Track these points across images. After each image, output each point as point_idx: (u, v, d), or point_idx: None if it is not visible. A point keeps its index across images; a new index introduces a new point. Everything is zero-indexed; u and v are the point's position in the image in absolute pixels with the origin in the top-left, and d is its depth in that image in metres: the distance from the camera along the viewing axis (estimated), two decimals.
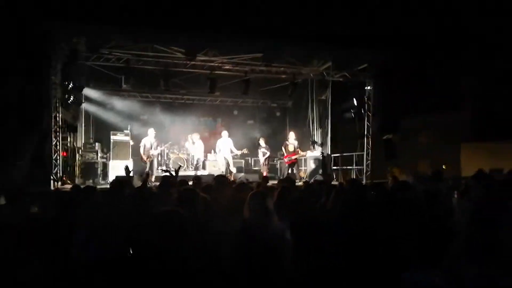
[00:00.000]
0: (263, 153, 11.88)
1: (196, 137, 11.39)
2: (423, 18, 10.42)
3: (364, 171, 11.43)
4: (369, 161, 11.60)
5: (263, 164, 11.89)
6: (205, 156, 12.70)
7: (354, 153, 11.97)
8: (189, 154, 12.35)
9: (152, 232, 2.02)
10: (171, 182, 5.00)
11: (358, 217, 3.00)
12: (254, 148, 12.32)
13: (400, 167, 12.07)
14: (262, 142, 12.02)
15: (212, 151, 13.17)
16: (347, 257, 2.80)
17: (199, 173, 11.32)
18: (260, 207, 2.83)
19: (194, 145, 11.47)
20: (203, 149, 11.58)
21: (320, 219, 3.17)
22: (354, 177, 11.58)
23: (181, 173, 6.11)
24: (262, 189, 4.57)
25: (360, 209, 3.12)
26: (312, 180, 9.70)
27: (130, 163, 11.00)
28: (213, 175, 10.81)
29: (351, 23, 10.06)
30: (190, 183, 5.55)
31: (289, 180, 7.33)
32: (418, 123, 13.45)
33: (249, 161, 13.97)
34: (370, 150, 11.64)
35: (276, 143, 14.22)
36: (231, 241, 2.72)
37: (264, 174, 11.60)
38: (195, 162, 11.37)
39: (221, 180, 5.16)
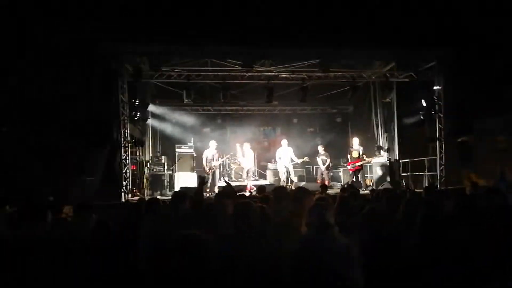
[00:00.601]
0: (322, 160, 11.51)
1: (246, 147, 11.34)
2: (492, 16, 9.48)
3: (438, 177, 10.60)
4: (442, 166, 10.75)
5: (323, 172, 11.51)
6: (257, 166, 12.74)
7: (425, 158, 11.18)
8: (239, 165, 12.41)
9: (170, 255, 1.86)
10: (228, 193, 4.93)
11: (439, 233, 2.62)
12: (315, 156, 12.01)
13: (478, 172, 11.01)
14: (321, 149, 11.71)
15: (273, 160, 13.17)
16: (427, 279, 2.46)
17: (253, 183, 11.30)
18: (319, 221, 2.61)
19: (244, 156, 11.44)
20: (253, 158, 11.50)
21: (396, 236, 2.83)
22: (427, 183, 10.74)
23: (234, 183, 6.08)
24: (322, 199, 4.25)
25: (441, 223, 2.73)
26: (380, 187, 9.16)
27: (194, 175, 11.45)
28: (273, 184, 10.78)
29: (413, 21, 9.48)
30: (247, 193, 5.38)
31: (351, 188, 6.99)
32: (495, 124, 12.18)
33: (311, 170, 13.61)
34: (443, 154, 10.82)
35: (338, 150, 13.86)
36: (289, 261, 2.53)
37: (326, 182, 11.24)
38: (245, 173, 11.32)
39: (280, 191, 5.01)
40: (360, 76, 11.59)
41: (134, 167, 10.94)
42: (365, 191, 8.92)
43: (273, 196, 4.61)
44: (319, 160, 11.58)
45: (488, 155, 11.53)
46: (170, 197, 8.97)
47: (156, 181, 11.11)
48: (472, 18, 9.59)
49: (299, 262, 2.51)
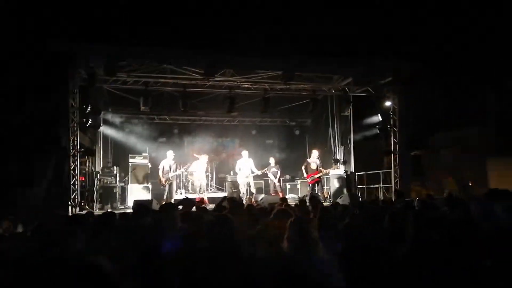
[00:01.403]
0: (273, 173, 11.50)
1: (203, 159, 11.05)
2: (448, 31, 10.15)
3: (393, 189, 10.89)
4: (397, 179, 11.13)
5: (275, 184, 11.49)
6: (215, 178, 12.75)
7: (380, 171, 11.53)
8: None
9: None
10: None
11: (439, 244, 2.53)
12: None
13: (426, 184, 11.54)
14: (272, 161, 11.74)
15: (231, 172, 12.99)
16: None
17: (209, 195, 11.10)
18: (301, 236, 2.47)
19: (197, 168, 11.13)
20: (203, 170, 11.22)
21: (383, 246, 2.70)
22: (381, 196, 11.05)
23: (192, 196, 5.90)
24: (283, 211, 4.13)
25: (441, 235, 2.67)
26: (338, 200, 9.22)
27: (147, 187, 10.94)
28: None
29: (371, 35, 9.84)
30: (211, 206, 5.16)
31: (314, 200, 6.97)
32: (444, 139, 12.96)
33: (269, 182, 13.53)
34: (398, 167, 11.20)
35: (296, 163, 13.91)
36: (270, 278, 2.32)
37: (280, 194, 11.20)
38: (198, 185, 10.98)
39: (236, 202, 4.82)
40: (320, 89, 11.84)
41: (83, 178, 10.34)
42: (325, 203, 8.91)
43: (230, 207, 4.47)
44: (269, 173, 11.55)
45: (436, 168, 12.16)
46: (123, 211, 8.57)
47: (107, 194, 10.56)
48: (430, 33, 10.12)
49: (282, 280, 2.27)
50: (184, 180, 12.79)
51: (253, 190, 11.03)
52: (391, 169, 11.29)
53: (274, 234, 3.04)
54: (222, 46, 9.98)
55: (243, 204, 5.32)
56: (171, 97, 12.31)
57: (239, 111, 13.30)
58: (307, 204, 6.33)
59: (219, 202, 5.96)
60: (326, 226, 3.17)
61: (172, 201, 10.20)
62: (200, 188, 10.87)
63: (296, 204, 6.61)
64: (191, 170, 11.36)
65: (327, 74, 11.70)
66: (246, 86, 11.22)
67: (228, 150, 15.23)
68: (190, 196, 10.96)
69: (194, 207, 6.34)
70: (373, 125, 11.75)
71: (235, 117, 14.34)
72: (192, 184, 12.25)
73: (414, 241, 2.61)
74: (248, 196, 10.74)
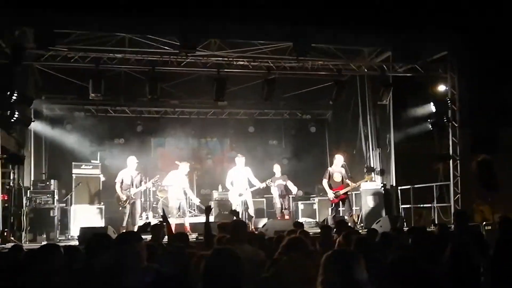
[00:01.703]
0: (279, 187, 11.46)
1: (183, 167, 10.96)
2: None
3: (452, 210, 10.80)
4: (458, 195, 11.05)
5: (280, 203, 11.46)
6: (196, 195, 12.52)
7: (433, 184, 11.45)
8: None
9: None
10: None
11: None
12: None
13: (494, 203, 11.50)
14: (277, 170, 11.68)
15: (219, 186, 12.94)
16: None
17: (191, 220, 11.11)
18: (345, 281, 2.45)
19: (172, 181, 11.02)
20: (182, 184, 11.04)
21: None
22: (436, 219, 11.02)
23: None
24: (299, 240, 4.13)
25: None
26: (375, 226, 9.16)
27: (99, 209, 10.86)
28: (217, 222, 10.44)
29: None
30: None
31: (343, 225, 6.93)
32: None
33: (274, 201, 13.50)
34: (459, 178, 11.12)
35: (310, 172, 13.95)
36: None
37: (286, 217, 11.25)
38: (173, 207, 10.84)
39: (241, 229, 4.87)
40: (346, 68, 11.79)
41: (6, 197, 10.30)
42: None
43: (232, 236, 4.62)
44: (274, 187, 11.51)
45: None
46: (65, 244, 8.46)
47: (41, 219, 10.49)
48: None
49: None
50: (151, 199, 12.71)
51: (252, 212, 10.96)
52: (450, 181, 11.22)
53: (294, 277, 3.17)
54: (206, 7, 9.92)
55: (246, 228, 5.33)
56: (133, 80, 12.27)
57: (230, 100, 13.32)
58: (333, 231, 6.30)
59: (205, 226, 5.89)
60: (369, 264, 3.12)
61: (135, 229, 10.12)
62: (179, 210, 10.77)
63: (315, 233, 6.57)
64: (165, 184, 11.25)
65: (357, 46, 11.67)
66: (241, 63, 11.20)
67: (214, 155, 15.21)
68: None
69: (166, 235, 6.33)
70: (423, 119, 11.69)
71: (225, 107, 14.30)
72: (165, 205, 12.15)
73: None
74: (246, 221, 10.61)
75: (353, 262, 2.55)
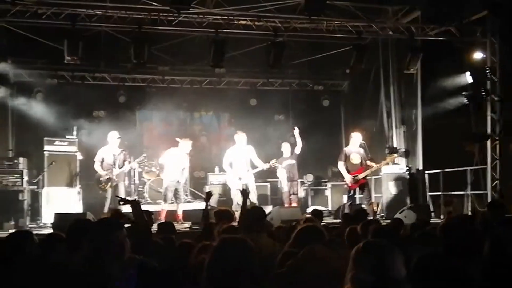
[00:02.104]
0: (288, 169, 11.51)
1: (184, 145, 11.01)
2: None
3: (489, 199, 10.85)
4: (497, 181, 11.10)
5: (287, 187, 11.52)
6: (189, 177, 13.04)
7: (467, 168, 11.48)
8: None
9: None
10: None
11: None
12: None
13: None
14: (286, 149, 11.73)
15: (216, 168, 13.04)
16: None
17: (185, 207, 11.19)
18: (382, 277, 2.48)
19: (169, 159, 11.10)
20: (182, 165, 11.20)
21: None
22: (470, 207, 11.06)
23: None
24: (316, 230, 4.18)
25: None
26: (399, 215, 9.21)
27: (76, 192, 10.95)
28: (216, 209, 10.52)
29: None
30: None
31: (362, 214, 6.99)
32: None
33: (278, 185, 13.60)
34: (498, 162, 11.17)
35: (322, 153, 14.03)
36: None
37: (294, 204, 11.35)
38: (169, 190, 10.90)
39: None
40: (367, 30, 11.76)
41: None
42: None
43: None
44: (281, 169, 11.53)
45: None
46: (37, 232, 8.50)
47: (8, 203, 10.55)
48: None
49: None
50: (137, 182, 12.81)
51: (255, 197, 10.99)
52: (487, 165, 11.27)
53: (317, 272, 3.21)
54: None
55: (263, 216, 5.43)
56: (115, 41, 12.26)
57: (229, 67, 13.37)
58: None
59: (204, 214, 5.96)
60: None
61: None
62: (177, 195, 10.87)
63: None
64: (162, 163, 11.38)
65: (379, 4, 11.68)
66: (243, 23, 11.17)
67: (209, 132, 15.30)
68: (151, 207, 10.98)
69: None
70: (457, 91, 11.67)
71: (223, 76, 14.33)
72: (153, 188, 12.23)
73: None
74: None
75: (389, 255, 2.57)
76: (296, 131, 11.46)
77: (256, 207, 6.89)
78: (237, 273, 2.65)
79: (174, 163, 10.90)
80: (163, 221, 9.23)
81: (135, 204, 5.27)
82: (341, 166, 10.70)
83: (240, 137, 11.06)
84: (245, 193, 6.03)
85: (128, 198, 8.86)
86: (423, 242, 4.72)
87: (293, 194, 11.69)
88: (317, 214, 7.52)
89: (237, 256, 2.70)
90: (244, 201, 5.82)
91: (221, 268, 2.68)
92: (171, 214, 10.59)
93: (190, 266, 3.84)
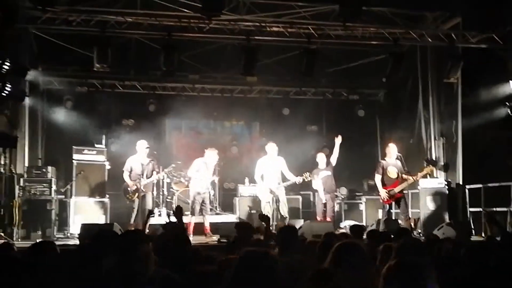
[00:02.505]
0: (324, 181, 11.28)
1: (210, 155, 10.95)
2: None
3: None
4: None
5: (322, 200, 11.30)
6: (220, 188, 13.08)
7: (510, 183, 11.09)
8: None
9: None
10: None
11: None
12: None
13: None
14: (321, 160, 11.50)
15: (246, 179, 12.98)
16: None
17: (212, 219, 11.18)
18: None
19: (199, 170, 11.00)
20: (209, 175, 11.11)
21: None
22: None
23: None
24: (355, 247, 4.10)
25: None
26: (437, 232, 9.01)
27: (103, 203, 11.03)
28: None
29: None
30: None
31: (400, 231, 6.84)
32: None
33: (311, 198, 13.49)
34: None
35: (359, 166, 13.87)
36: None
37: (328, 219, 11.12)
38: (197, 201, 10.81)
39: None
40: (405, 37, 11.62)
41: None
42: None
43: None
44: (316, 181, 11.30)
45: None
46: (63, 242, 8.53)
47: (36, 213, 10.69)
48: None
49: None
50: (165, 193, 12.82)
51: (285, 211, 10.91)
52: None
53: None
54: None
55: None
56: (145, 49, 12.34)
57: (261, 75, 13.27)
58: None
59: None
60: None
61: (147, 226, 10.20)
62: (202, 207, 10.79)
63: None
64: (191, 176, 11.22)
65: (418, 10, 11.50)
66: (275, 30, 11.18)
67: (240, 142, 15.26)
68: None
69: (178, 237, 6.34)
70: (500, 102, 11.44)
71: (255, 84, 14.35)
72: (182, 200, 12.21)
73: None
74: (277, 222, 10.61)
75: (423, 276, 2.48)
76: (338, 140, 11.27)
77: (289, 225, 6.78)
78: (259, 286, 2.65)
79: (201, 174, 10.85)
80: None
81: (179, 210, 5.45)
82: (377, 179, 10.68)
83: (271, 147, 11.00)
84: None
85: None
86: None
87: (329, 208, 11.46)
88: (357, 230, 7.26)
89: (259, 269, 2.70)
90: (267, 227, 5.74)
91: (242, 281, 2.69)
92: (200, 226, 10.54)
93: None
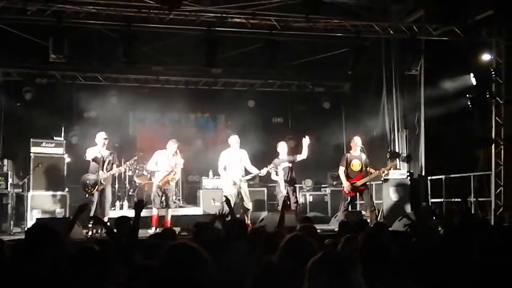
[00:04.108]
0: (285, 171, 11.14)
1: (171, 146, 10.92)
2: None
3: (493, 205, 10.78)
4: (501, 188, 10.97)
5: (282, 192, 11.08)
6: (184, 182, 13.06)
7: (471, 174, 11.37)
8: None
9: None
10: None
11: None
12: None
13: None
14: (282, 149, 11.33)
15: (210, 171, 12.99)
16: None
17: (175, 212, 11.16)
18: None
19: (159, 163, 11.00)
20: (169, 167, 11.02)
21: None
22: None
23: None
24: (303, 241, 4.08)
25: None
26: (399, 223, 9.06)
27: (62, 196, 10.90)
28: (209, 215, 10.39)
29: None
30: None
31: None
32: None
33: (276, 190, 13.51)
34: (502, 167, 11.02)
35: (324, 158, 13.92)
36: None
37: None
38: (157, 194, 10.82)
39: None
40: (369, 30, 11.60)
41: None
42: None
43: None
44: (278, 172, 11.10)
45: None
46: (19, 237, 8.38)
47: None
48: None
49: None
50: (127, 186, 12.73)
51: (248, 203, 10.90)
52: (491, 170, 11.15)
53: None
54: None
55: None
56: (107, 40, 12.18)
57: (226, 67, 13.35)
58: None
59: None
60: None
61: (106, 220, 10.10)
62: (165, 199, 10.75)
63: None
64: (150, 168, 11.25)
65: (382, 2, 11.57)
66: (238, 21, 11.06)
67: (205, 134, 15.29)
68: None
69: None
70: (461, 94, 11.52)
71: (220, 76, 14.34)
72: (143, 192, 12.11)
73: None
74: (239, 214, 10.54)
75: (347, 268, 2.47)
76: (306, 141, 11.02)
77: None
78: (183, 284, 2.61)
79: (159, 167, 10.84)
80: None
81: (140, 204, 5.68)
82: (341, 172, 10.81)
83: (234, 139, 10.98)
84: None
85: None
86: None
87: (291, 199, 11.42)
88: (306, 219, 7.56)
89: (185, 265, 2.67)
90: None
91: (166, 277, 2.67)
92: (161, 219, 10.51)
93: None
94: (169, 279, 2.67)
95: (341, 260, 2.55)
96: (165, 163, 10.85)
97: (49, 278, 3.67)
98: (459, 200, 11.01)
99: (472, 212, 10.73)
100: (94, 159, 10.35)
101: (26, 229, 10.29)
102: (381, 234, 4.78)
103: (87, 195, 10.30)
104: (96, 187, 10.25)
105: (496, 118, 11.28)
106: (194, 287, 2.67)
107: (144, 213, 10.66)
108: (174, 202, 12.14)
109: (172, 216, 10.91)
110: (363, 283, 2.52)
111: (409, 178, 11.83)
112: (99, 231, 9.73)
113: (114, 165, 10.57)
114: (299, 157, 11.10)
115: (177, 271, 2.66)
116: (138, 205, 5.80)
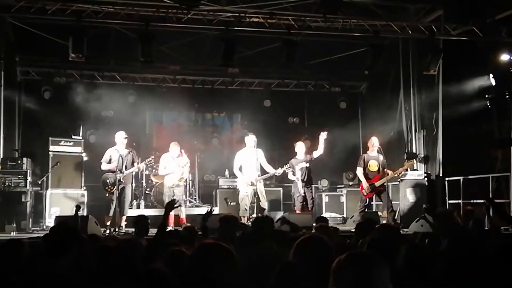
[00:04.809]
0: (301, 170, 11.08)
1: (174, 149, 11.04)
2: None
3: None
4: None
5: (299, 193, 11.10)
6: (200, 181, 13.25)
7: (490, 175, 11.24)
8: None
9: None
10: None
11: None
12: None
13: None
14: (300, 149, 11.27)
15: (226, 171, 13.00)
16: None
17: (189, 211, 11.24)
18: None
19: (167, 166, 11.12)
20: (187, 170, 11.28)
21: None
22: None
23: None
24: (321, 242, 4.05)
25: None
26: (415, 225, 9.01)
27: (81, 195, 11.06)
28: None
29: None
30: None
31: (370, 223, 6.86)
32: None
33: (293, 191, 13.48)
34: None
35: (340, 158, 13.90)
36: None
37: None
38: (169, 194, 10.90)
39: None
40: (386, 29, 11.54)
41: None
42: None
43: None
44: (295, 173, 11.03)
45: None
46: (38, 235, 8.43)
47: (10, 205, 10.57)
48: None
49: None
50: (144, 185, 12.78)
51: (264, 203, 10.91)
52: (510, 172, 11.00)
53: None
54: None
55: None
56: (125, 39, 12.20)
57: (243, 67, 13.39)
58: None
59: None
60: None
61: (123, 220, 10.21)
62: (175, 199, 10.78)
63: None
64: (162, 173, 11.28)
65: (400, 2, 11.51)
66: (256, 21, 11.04)
67: (221, 134, 15.24)
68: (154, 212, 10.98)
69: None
70: (480, 94, 11.42)
71: (236, 76, 14.31)
72: (160, 192, 12.15)
73: None
74: (254, 215, 10.53)
75: (373, 268, 2.42)
76: (323, 135, 11.01)
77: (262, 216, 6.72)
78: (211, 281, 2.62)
79: (168, 170, 10.99)
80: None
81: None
82: (359, 172, 10.83)
83: (250, 139, 10.99)
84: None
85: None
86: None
87: (308, 200, 11.36)
88: (322, 219, 7.46)
89: (213, 263, 2.68)
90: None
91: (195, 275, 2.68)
92: (176, 219, 10.58)
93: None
94: (197, 277, 2.67)
95: (367, 260, 2.51)
96: (173, 165, 10.99)
97: (71, 276, 3.69)
98: (481, 201, 10.97)
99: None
100: (111, 160, 10.38)
101: (45, 227, 10.63)
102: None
103: (107, 194, 10.36)
104: (116, 186, 10.26)
105: None
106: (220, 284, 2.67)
107: (153, 212, 11.07)
108: (190, 202, 12.28)
109: (187, 215, 11.00)
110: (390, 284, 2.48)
111: (426, 179, 11.74)
112: (116, 230, 9.89)
113: (135, 163, 10.60)
114: (316, 153, 11.06)
115: (205, 270, 2.67)
116: (170, 205, 6.04)
